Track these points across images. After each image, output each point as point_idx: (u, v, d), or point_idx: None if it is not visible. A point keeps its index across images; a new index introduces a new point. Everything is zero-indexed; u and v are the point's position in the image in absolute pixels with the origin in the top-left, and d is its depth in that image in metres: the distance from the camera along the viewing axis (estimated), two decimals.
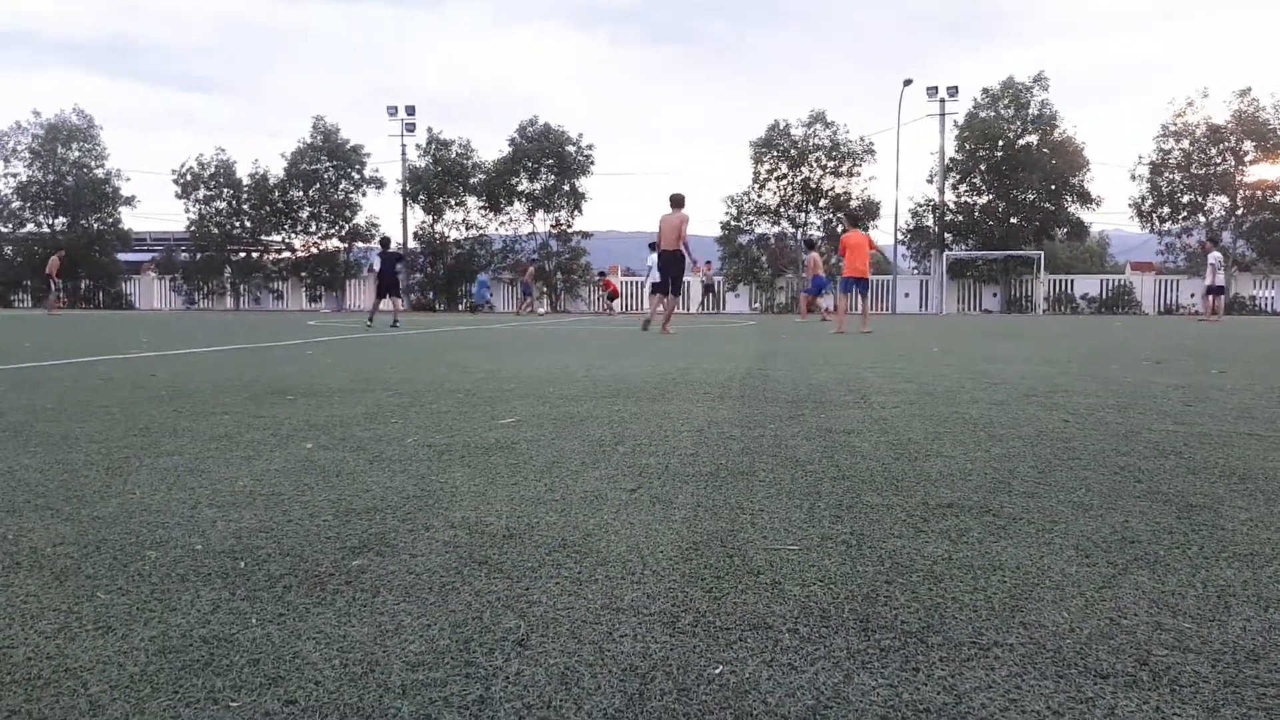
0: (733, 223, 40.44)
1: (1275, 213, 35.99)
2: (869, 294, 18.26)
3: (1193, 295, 34.98)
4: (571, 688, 1.37)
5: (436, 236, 42.10)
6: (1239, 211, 36.83)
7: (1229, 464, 3.10)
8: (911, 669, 1.45)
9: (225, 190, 43.76)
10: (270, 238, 44.31)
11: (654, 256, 17.25)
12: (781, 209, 40.40)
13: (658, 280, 15.12)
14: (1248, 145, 36.01)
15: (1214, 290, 24.79)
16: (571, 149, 40.83)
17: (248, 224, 44.16)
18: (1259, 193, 36.21)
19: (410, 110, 42.15)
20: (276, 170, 43.43)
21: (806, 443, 3.57)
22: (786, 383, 6.03)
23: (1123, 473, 2.97)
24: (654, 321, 15.40)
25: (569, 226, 41.56)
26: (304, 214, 43.89)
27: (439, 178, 40.65)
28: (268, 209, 43.61)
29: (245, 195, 43.77)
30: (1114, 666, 1.45)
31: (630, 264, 46.49)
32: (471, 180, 41.31)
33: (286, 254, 44.26)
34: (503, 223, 42.21)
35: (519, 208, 42.03)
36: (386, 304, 20.04)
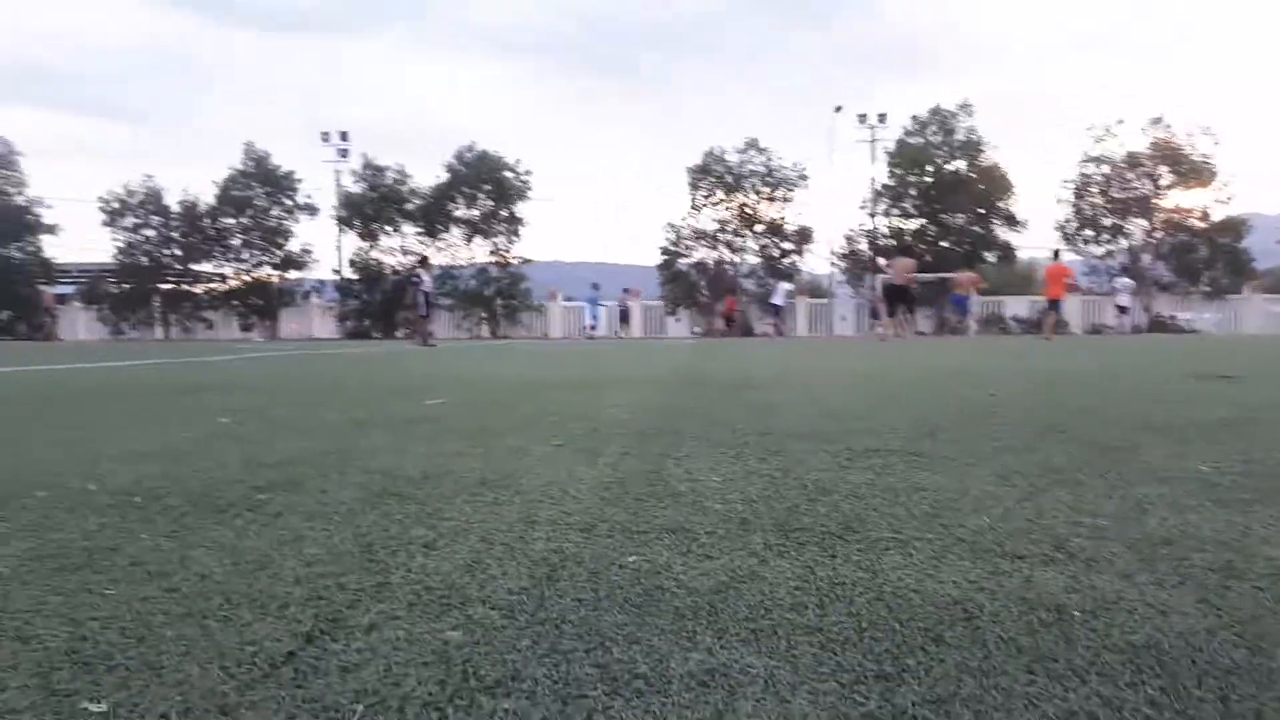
0: (672, 248, 40.67)
1: (1191, 236, 37.40)
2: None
3: (1115, 315, 36.21)
4: (477, 574, 1.31)
5: (372, 263, 41.55)
6: (1157, 235, 38.19)
7: (1150, 418, 3.16)
8: (829, 555, 1.42)
9: (154, 218, 42.68)
10: (200, 266, 43.31)
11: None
12: (719, 234, 40.80)
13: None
14: (1163, 171, 37.43)
15: (1122, 310, 26.23)
16: (509, 175, 40.76)
17: (178, 251, 43.08)
18: (1175, 217, 37.60)
19: (344, 136, 41.71)
20: (207, 198, 42.51)
21: (740, 411, 3.55)
22: (724, 375, 6.03)
23: (1041, 426, 3.00)
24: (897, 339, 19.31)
25: (507, 252, 41.37)
26: (235, 241, 42.98)
27: (374, 204, 40.21)
28: (198, 236, 42.62)
29: (175, 222, 42.73)
30: (1031, 550, 1.44)
31: (571, 291, 46.46)
32: (408, 206, 40.93)
33: (217, 282, 43.29)
34: (440, 249, 41.86)
35: (456, 234, 41.74)
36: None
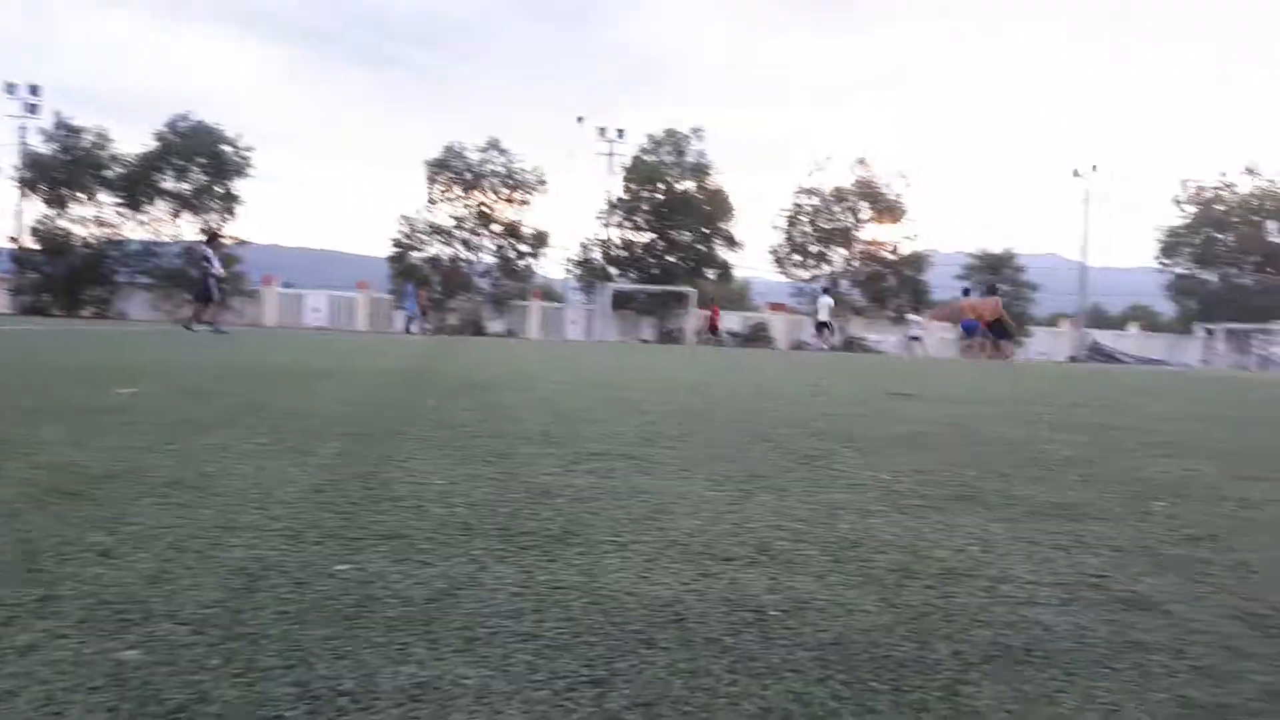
0: (405, 240, 39.57)
1: (883, 266, 41.73)
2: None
3: (813, 334, 39.83)
4: (163, 585, 1.18)
5: (58, 233, 36.95)
6: (855, 263, 42.25)
7: (848, 432, 3.46)
8: (549, 560, 1.42)
9: None
10: None
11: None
12: (455, 230, 40.22)
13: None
14: (864, 206, 41.51)
15: (821, 325, 29.10)
16: (228, 149, 37.81)
17: None
18: (870, 248, 41.82)
19: (34, 90, 36.83)
20: None
21: (467, 413, 3.50)
22: (453, 376, 5.92)
23: (756, 436, 3.20)
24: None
25: (219, 231, 38.31)
26: None
27: (66, 167, 35.79)
28: None
29: None
30: (738, 553, 1.52)
31: (291, 277, 43.86)
32: (107, 174, 36.81)
33: None
34: (142, 223, 38.00)
35: (163, 207, 38.09)
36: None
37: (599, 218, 42.63)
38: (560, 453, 2.54)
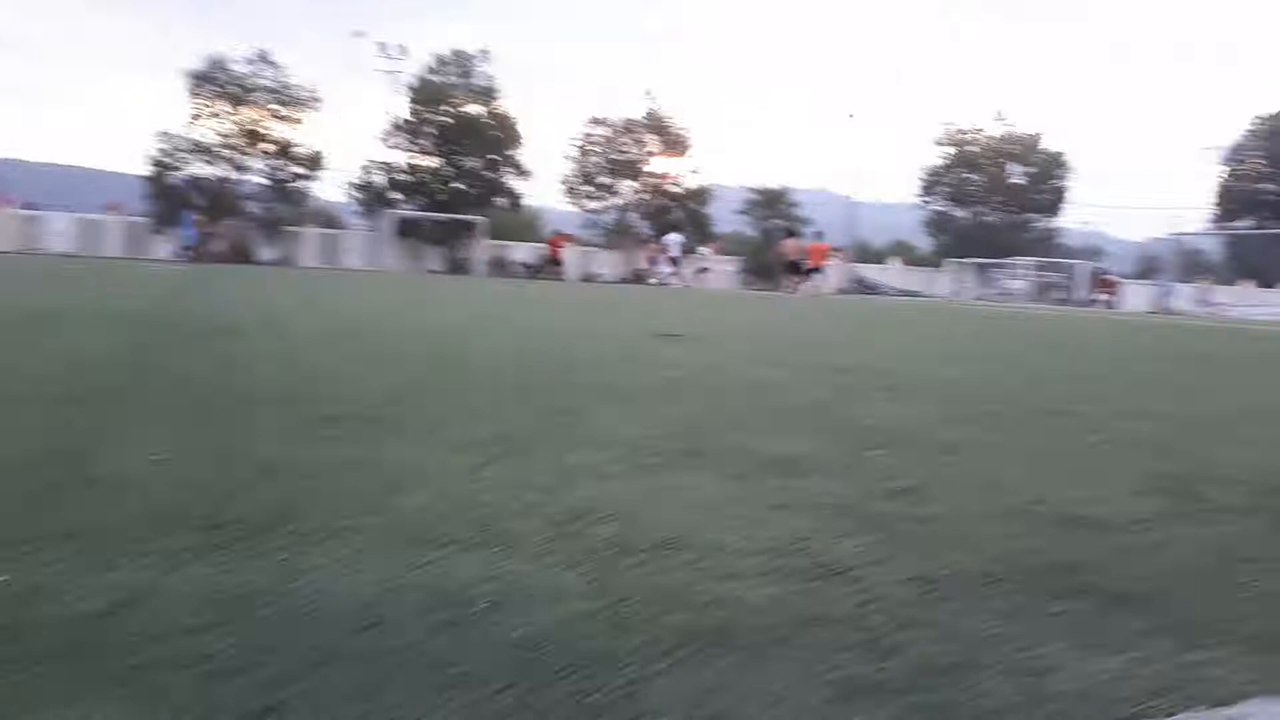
0: (165, 159, 36.22)
1: (670, 199, 42.53)
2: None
3: (604, 267, 40.37)
4: None
5: None
6: (643, 196, 42.81)
7: (603, 381, 3.50)
8: (251, 555, 1.33)
9: None
10: None
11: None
12: (221, 150, 37.23)
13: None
14: (651, 139, 41.95)
15: (673, 261, 30.66)
16: None
17: None
18: (657, 182, 42.48)
19: None
20: None
21: (200, 365, 3.26)
22: (201, 318, 5.51)
23: (516, 390, 3.18)
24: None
25: None
26: None
27: None
28: None
29: None
30: (460, 535, 1.49)
31: (39, 196, 39.33)
32: None
33: None
34: None
35: None
36: None
37: (381, 139, 40.71)
38: (299, 414, 2.42)
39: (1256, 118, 52.78)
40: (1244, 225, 50.15)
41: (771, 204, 45.13)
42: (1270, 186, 51.35)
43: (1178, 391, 4.35)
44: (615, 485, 1.87)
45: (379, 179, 40.63)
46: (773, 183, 47.84)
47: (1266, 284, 42.71)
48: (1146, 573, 1.48)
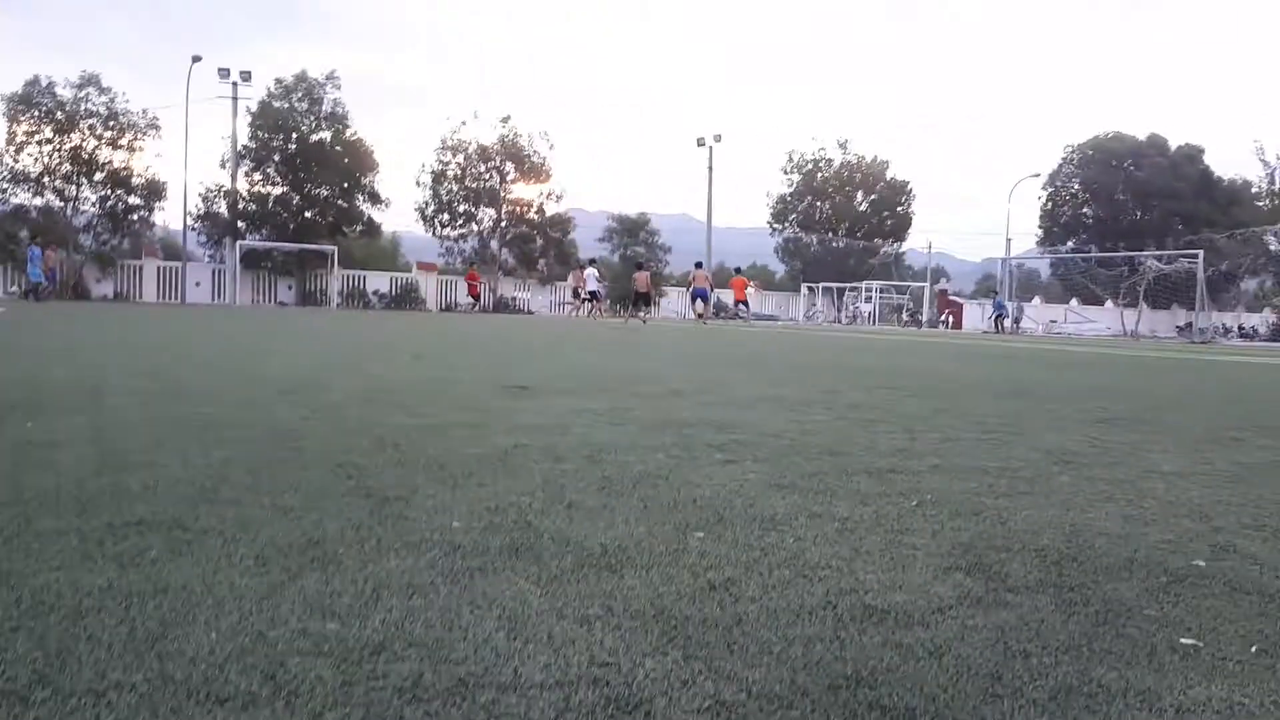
0: None
1: (529, 227, 42.40)
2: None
3: (465, 295, 39.91)
4: None
5: None
6: (503, 223, 42.54)
7: (436, 453, 3.41)
8: None
9: None
10: None
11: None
12: (46, 178, 34.91)
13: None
14: (509, 166, 41.77)
15: (592, 295, 31.25)
16: None
17: None
18: (518, 209, 42.31)
19: None
20: None
21: None
22: None
23: (339, 469, 3.05)
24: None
25: None
26: None
27: None
28: None
29: None
30: (240, 686, 1.40)
31: None
32: None
33: None
34: None
35: None
36: None
37: (224, 167, 39.16)
38: (88, 526, 2.24)
39: (1068, 146, 57.15)
40: (1067, 248, 54.02)
41: (633, 231, 45.67)
42: (1087, 211, 55.56)
43: (1000, 436, 4.59)
44: (424, 602, 1.81)
45: (222, 208, 39.03)
46: (633, 209, 48.51)
47: (1090, 301, 46.07)
48: (939, 680, 1.52)
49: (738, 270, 35.42)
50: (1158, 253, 40.97)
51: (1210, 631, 1.78)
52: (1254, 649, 1.70)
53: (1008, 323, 37.25)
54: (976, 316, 43.23)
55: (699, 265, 32.91)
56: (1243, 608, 1.94)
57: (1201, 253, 33.81)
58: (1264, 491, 3.20)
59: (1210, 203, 53.24)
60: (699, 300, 29.73)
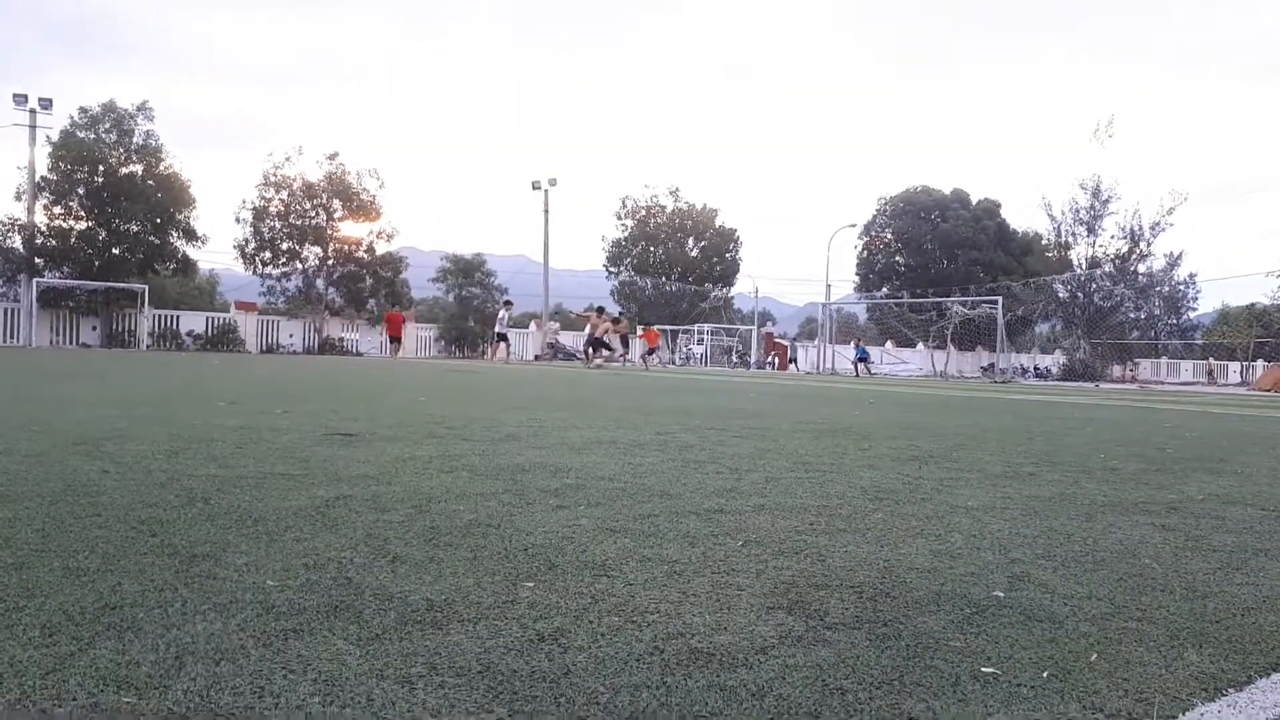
0: None
1: (358, 265, 41.24)
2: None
3: (291, 336, 38.26)
4: None
5: None
6: (330, 262, 41.17)
7: (250, 507, 3.23)
8: None
9: None
10: None
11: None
12: None
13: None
14: (337, 204, 40.58)
15: (501, 337, 31.81)
16: None
17: None
18: (346, 247, 41.09)
19: None
20: None
21: None
22: None
23: (141, 526, 2.84)
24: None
25: None
26: None
27: None
28: None
29: None
30: None
31: None
32: None
33: None
34: None
35: None
36: None
37: (19, 199, 36.26)
38: None
39: (881, 198, 61.15)
40: (881, 293, 57.42)
41: (468, 271, 45.21)
42: (899, 259, 59.34)
43: (820, 475, 4.77)
44: (233, 667, 1.70)
45: (17, 243, 36.07)
46: (468, 250, 48.21)
47: (903, 344, 49.04)
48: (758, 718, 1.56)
49: (647, 324, 41.35)
50: (962, 299, 44.18)
51: (1007, 659, 1.91)
52: (1045, 674, 1.83)
53: (863, 367, 39.23)
54: (802, 359, 45.27)
55: (599, 311, 32.46)
56: (1035, 635, 2.09)
57: (1000, 299, 36.74)
58: (1054, 523, 3.48)
59: (1007, 253, 58.18)
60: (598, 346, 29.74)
